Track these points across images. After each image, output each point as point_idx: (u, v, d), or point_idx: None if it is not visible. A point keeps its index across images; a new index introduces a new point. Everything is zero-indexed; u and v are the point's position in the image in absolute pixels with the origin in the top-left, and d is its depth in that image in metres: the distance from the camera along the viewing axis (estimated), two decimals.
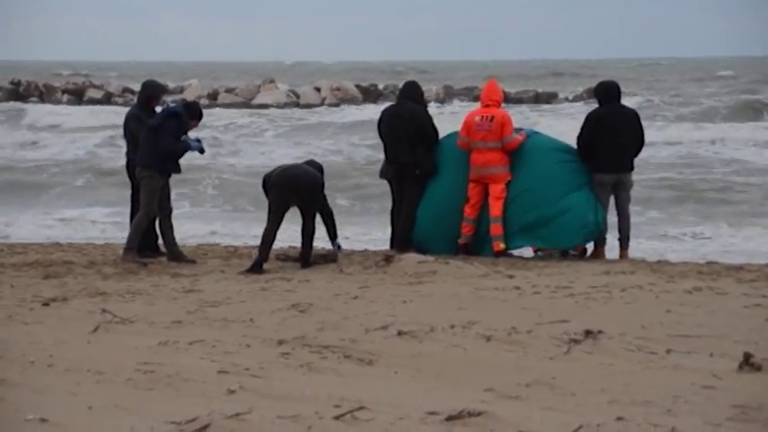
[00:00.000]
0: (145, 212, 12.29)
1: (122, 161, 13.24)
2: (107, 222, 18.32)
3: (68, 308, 9.07)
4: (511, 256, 12.73)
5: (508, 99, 40.31)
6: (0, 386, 5.63)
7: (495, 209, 12.66)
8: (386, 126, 13.25)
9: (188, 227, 16.67)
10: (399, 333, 7.48)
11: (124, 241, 12.67)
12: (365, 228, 17.22)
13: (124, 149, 13.07)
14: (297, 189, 11.86)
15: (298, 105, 44.98)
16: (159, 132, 12.15)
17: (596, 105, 13.19)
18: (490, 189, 12.75)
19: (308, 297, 9.58)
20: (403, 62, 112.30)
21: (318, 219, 12.14)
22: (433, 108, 24.45)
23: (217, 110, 40.38)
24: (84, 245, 14.65)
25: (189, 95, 44.44)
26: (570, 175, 12.73)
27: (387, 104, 14.92)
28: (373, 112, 32.90)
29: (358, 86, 48.94)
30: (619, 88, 13.17)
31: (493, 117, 12.83)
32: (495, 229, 12.67)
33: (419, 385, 6.24)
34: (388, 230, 13.54)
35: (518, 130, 13.06)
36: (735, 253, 14.65)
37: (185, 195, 20.89)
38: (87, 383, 5.94)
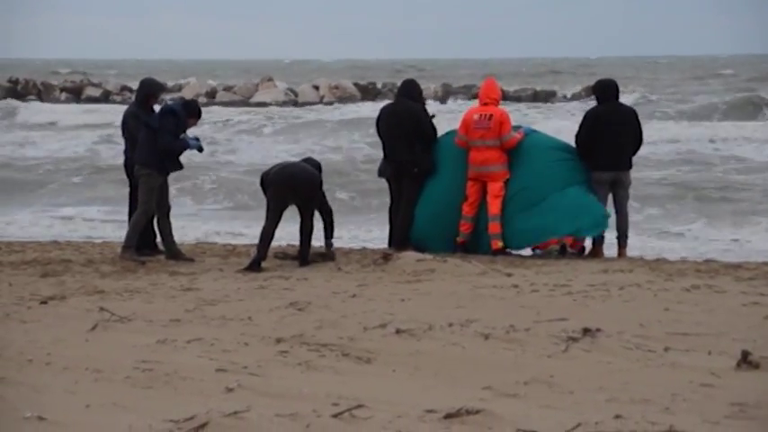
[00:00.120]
0: (143, 210, 12.28)
1: (120, 159, 13.23)
2: (105, 220, 18.31)
3: (66, 306, 9.06)
4: (509, 254, 12.73)
5: (506, 97, 40.28)
6: None
7: (494, 207, 12.66)
8: (384, 124, 13.25)
9: (186, 225, 16.66)
10: (398, 331, 7.48)
11: (122, 239, 12.67)
12: (365, 226, 17.23)
13: (122, 147, 13.06)
14: (294, 187, 11.85)
15: (296, 104, 44.97)
16: (158, 130, 12.14)
17: (594, 103, 13.20)
18: (488, 187, 12.74)
19: (307, 295, 9.58)
20: (401, 60, 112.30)
21: (317, 216, 12.13)
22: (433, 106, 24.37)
23: (215, 108, 40.36)
24: (83, 243, 14.65)
25: (187, 94, 44.39)
26: (569, 174, 12.73)
27: (385, 103, 14.91)
28: (371, 109, 32.94)
29: (356, 85, 48.91)
30: (617, 86, 13.17)
31: (491, 115, 12.82)
32: (494, 227, 12.67)
33: (417, 383, 6.24)
34: (387, 228, 13.54)
35: (516, 129, 13.07)
36: (733, 251, 14.66)
37: (184, 193, 20.88)
38: (85, 382, 5.94)
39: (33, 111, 40.65)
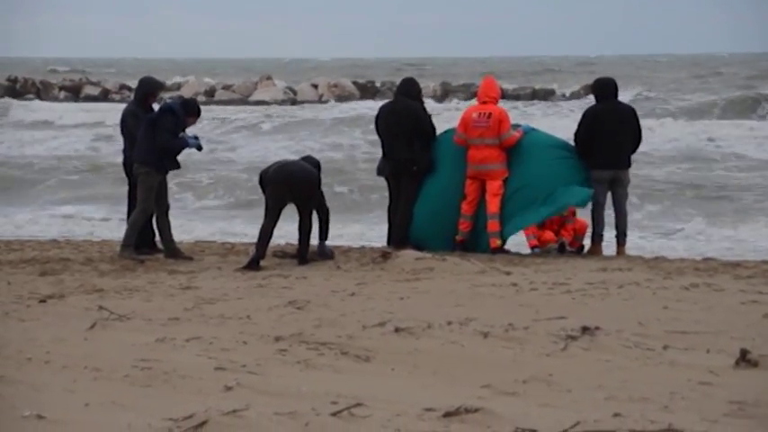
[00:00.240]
0: (142, 209, 12.29)
1: (119, 157, 13.23)
2: (104, 219, 18.31)
3: (65, 305, 9.07)
4: (508, 252, 12.74)
5: (505, 96, 40.26)
6: None
7: (493, 205, 12.66)
8: (383, 123, 13.25)
9: (185, 223, 16.65)
10: (396, 330, 7.48)
11: (121, 238, 12.67)
12: (365, 224, 17.23)
13: (121, 146, 13.06)
14: (293, 185, 11.84)
15: (295, 102, 44.97)
16: (157, 129, 12.14)
17: (593, 102, 13.20)
18: (487, 186, 12.74)
19: (305, 294, 9.58)
20: (400, 59, 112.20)
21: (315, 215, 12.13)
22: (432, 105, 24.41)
23: (214, 106, 40.36)
24: (81, 242, 14.65)
25: (186, 92, 44.41)
26: (568, 172, 12.73)
27: (384, 101, 14.92)
28: (369, 106, 32.92)
29: (355, 83, 48.90)
30: (616, 85, 13.18)
31: (490, 114, 12.82)
32: (492, 225, 12.67)
33: (416, 382, 6.24)
34: (386, 227, 13.54)
35: (515, 127, 13.06)
36: (732, 249, 14.66)
37: (183, 191, 20.88)
38: (84, 380, 5.94)
39: (32, 109, 40.62)
